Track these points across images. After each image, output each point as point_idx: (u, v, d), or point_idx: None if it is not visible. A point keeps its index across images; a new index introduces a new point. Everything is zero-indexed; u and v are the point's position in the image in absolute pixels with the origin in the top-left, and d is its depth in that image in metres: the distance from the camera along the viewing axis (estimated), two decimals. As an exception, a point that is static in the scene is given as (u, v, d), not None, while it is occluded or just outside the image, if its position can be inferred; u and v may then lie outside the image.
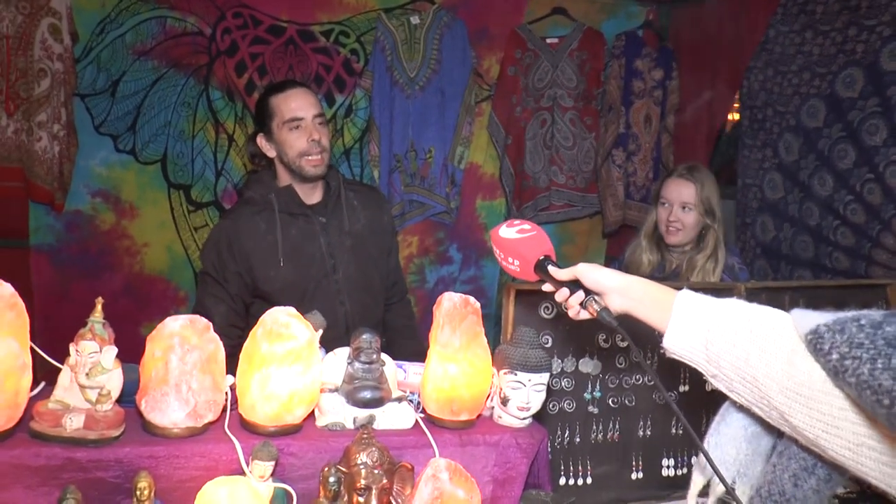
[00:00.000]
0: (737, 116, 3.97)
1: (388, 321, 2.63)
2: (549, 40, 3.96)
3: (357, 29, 3.74)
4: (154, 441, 1.49)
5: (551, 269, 1.45)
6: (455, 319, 1.66)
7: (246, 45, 3.57)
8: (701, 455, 1.33)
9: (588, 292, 1.42)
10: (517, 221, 1.54)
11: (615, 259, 3.98)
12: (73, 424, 1.43)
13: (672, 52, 4.10)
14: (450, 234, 3.97)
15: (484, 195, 4.02)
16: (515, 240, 1.49)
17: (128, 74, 3.42)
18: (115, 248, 3.49)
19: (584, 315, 1.44)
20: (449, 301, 1.68)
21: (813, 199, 3.44)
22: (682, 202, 2.68)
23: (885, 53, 3.13)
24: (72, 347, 1.46)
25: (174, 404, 1.47)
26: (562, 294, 1.45)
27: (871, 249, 3.18)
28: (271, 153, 2.43)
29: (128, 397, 1.54)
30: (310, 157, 2.35)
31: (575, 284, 1.43)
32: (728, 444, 1.36)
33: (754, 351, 1.21)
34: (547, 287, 1.50)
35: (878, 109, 3.15)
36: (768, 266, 3.69)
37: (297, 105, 2.38)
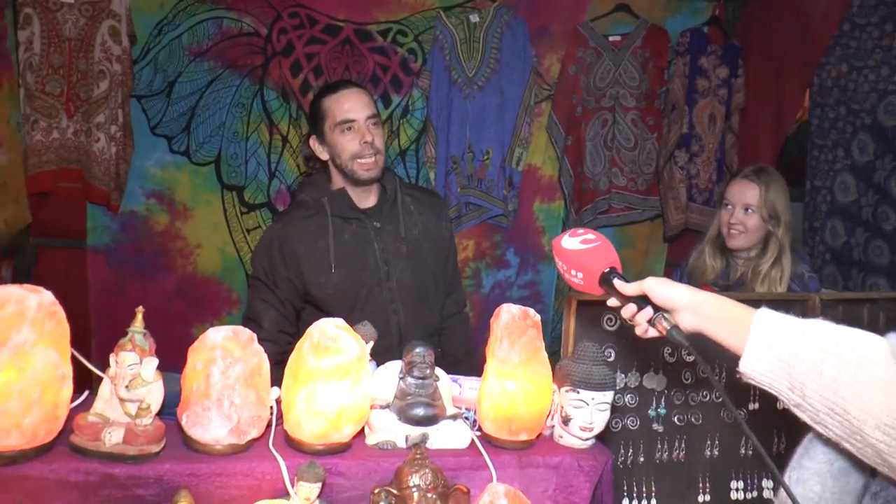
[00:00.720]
0: (805, 115, 3.75)
1: (443, 343, 2.50)
2: (611, 38, 3.79)
3: (415, 28, 3.64)
4: (195, 458, 1.40)
5: (617, 283, 1.33)
6: (514, 333, 1.54)
7: (301, 45, 3.50)
8: (781, 491, 1.19)
9: (657, 308, 1.28)
10: (581, 231, 1.41)
11: (677, 265, 3.80)
12: (112, 439, 1.36)
13: (739, 49, 3.89)
14: (507, 237, 3.83)
15: (542, 198, 3.87)
16: (579, 251, 1.36)
17: (183, 75, 3.37)
18: (168, 248, 3.44)
19: (653, 333, 1.31)
20: (507, 313, 1.56)
21: (889, 202, 3.22)
22: (745, 204, 2.51)
23: (972, 47, 2.91)
24: (112, 358, 1.38)
25: (216, 420, 1.38)
26: (628, 310, 1.32)
27: (956, 257, 2.96)
28: (324, 156, 2.33)
29: (170, 409, 1.46)
30: (362, 161, 2.24)
31: (643, 300, 1.30)
32: (812, 479, 1.21)
33: (845, 380, 1.06)
34: (612, 301, 1.37)
35: (965, 107, 2.93)
36: (838, 273, 3.47)
37: (350, 106, 2.28)
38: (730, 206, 2.56)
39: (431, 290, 2.39)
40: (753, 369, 1.18)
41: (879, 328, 2.21)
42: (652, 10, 3.87)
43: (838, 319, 2.12)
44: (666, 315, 1.27)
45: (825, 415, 1.08)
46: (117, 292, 3.35)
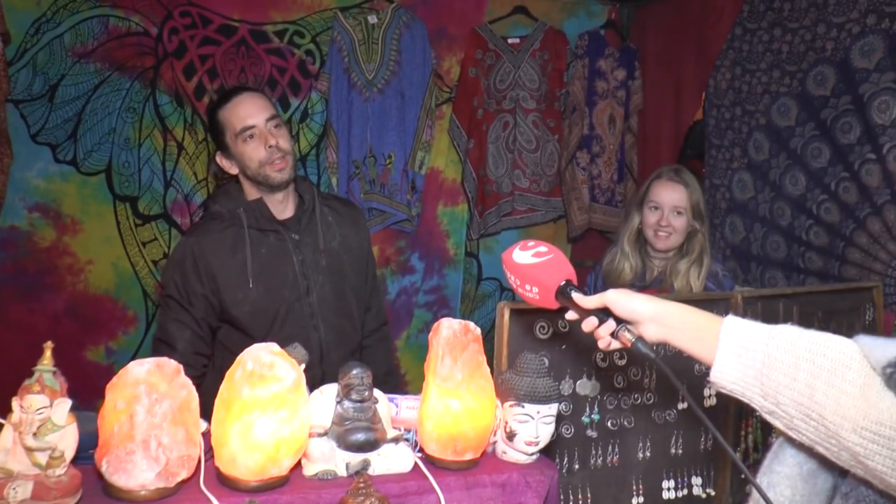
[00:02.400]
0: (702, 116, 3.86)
1: (364, 362, 2.39)
2: (510, 40, 3.79)
3: (312, 29, 3.52)
4: (118, 506, 1.27)
5: (576, 296, 1.28)
6: (456, 349, 1.48)
7: (195, 46, 3.32)
8: (754, 492, 1.17)
9: (619, 321, 1.25)
10: (531, 243, 1.36)
11: (581, 265, 3.84)
12: (18, 496, 1.20)
13: (635, 52, 3.97)
14: (411, 242, 3.76)
15: (446, 201, 3.82)
16: (532, 265, 1.31)
17: (67, 78, 3.13)
18: (55, 265, 3.19)
19: (616, 345, 1.27)
20: (448, 329, 1.49)
21: (784, 199, 3.35)
22: (674, 206, 2.52)
23: (855, 50, 3.04)
24: (14, 403, 1.22)
25: (142, 464, 1.25)
26: (589, 323, 1.28)
27: (845, 249, 3.09)
28: (234, 170, 2.18)
29: (83, 453, 1.31)
30: (272, 164, 2.11)
31: (604, 312, 1.26)
32: (782, 483, 1.20)
33: (820, 385, 1.05)
34: (571, 315, 1.32)
35: (851, 107, 3.06)
36: (738, 267, 3.59)
37: (247, 112, 2.13)
38: (658, 209, 2.55)
39: (352, 304, 2.28)
40: (725, 378, 1.16)
41: (794, 321, 2.28)
42: (549, 13, 3.89)
43: (757, 316, 2.19)
44: (629, 327, 1.24)
45: (800, 420, 1.07)
46: (-2, 316, 3.09)
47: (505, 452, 1.56)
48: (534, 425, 1.51)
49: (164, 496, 1.29)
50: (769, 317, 2.25)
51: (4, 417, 1.26)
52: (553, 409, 1.53)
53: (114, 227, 3.26)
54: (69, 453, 1.24)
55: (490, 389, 1.51)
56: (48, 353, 1.24)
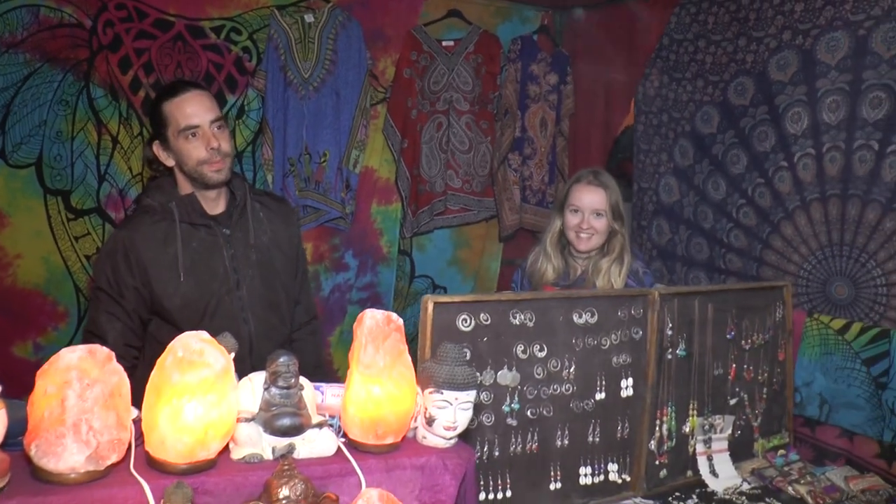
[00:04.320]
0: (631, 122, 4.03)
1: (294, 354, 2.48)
2: (444, 43, 3.91)
3: (249, 26, 3.57)
4: (48, 489, 1.32)
5: None
6: (378, 338, 1.57)
7: (130, 40, 3.33)
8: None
9: None
10: None
11: (512, 263, 3.98)
12: (-52, 476, 1.26)
13: (567, 57, 4.13)
14: (345, 240, 3.84)
15: (380, 200, 3.91)
16: None
17: (-5, 69, 3.13)
18: (-18, 260, 3.18)
19: None
20: (371, 319, 1.59)
21: (707, 203, 3.54)
22: (594, 209, 2.64)
23: (772, 64, 3.25)
24: (-57, 386, 1.28)
25: (72, 447, 1.31)
26: None
27: (762, 250, 3.29)
28: (170, 162, 2.24)
29: (12, 439, 1.36)
30: (211, 164, 2.19)
31: None
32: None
33: None
34: None
35: (767, 117, 3.27)
36: (664, 268, 3.77)
37: (193, 111, 2.19)
38: (578, 211, 2.66)
39: (282, 298, 2.37)
40: None
41: (708, 317, 2.46)
42: (483, 17, 4.02)
43: (674, 312, 2.35)
44: None
45: None
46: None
47: (425, 437, 1.66)
48: (452, 411, 1.61)
49: (93, 479, 1.35)
50: (685, 313, 2.41)
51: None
52: (471, 395, 1.64)
53: (44, 221, 3.25)
54: (-1, 436, 1.30)
55: (410, 377, 1.61)
56: (-19, 339, 1.30)
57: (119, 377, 1.38)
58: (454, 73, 3.93)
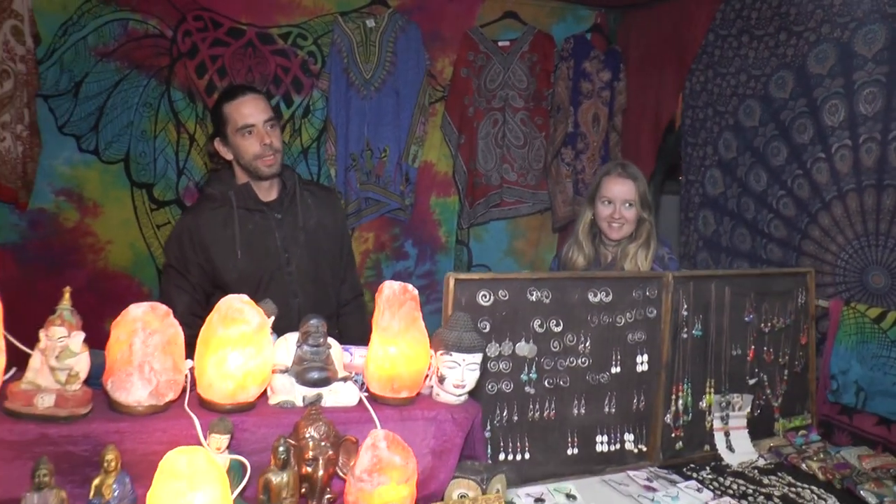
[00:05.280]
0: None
1: (341, 327, 2.79)
2: (500, 43, 4.16)
3: (314, 32, 3.91)
4: (120, 418, 1.65)
5: None
6: (394, 305, 1.85)
7: (206, 47, 3.72)
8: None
9: None
10: None
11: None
12: (44, 403, 1.59)
13: (620, 55, 4.31)
14: (405, 230, 4.15)
15: (438, 192, 4.21)
16: None
17: (90, 76, 3.55)
18: (78, 245, 3.62)
19: None
20: (389, 289, 1.86)
21: (749, 194, 3.67)
22: (625, 199, 2.84)
23: (811, 57, 3.37)
24: (41, 333, 1.62)
25: (138, 384, 1.63)
26: None
27: (801, 241, 3.41)
28: (228, 156, 2.61)
29: (94, 380, 1.70)
30: (264, 159, 2.53)
31: None
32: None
33: None
34: None
35: (806, 110, 3.39)
36: (710, 258, 3.92)
37: (249, 111, 2.55)
38: (610, 203, 2.87)
39: (328, 276, 2.70)
40: None
41: (725, 300, 2.63)
42: (538, 18, 4.25)
43: (689, 294, 2.53)
44: None
45: None
46: (27, 289, 3.49)
47: (438, 395, 1.93)
48: (460, 371, 1.87)
49: (155, 412, 1.67)
50: (701, 295, 2.60)
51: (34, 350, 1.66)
52: (477, 357, 1.89)
53: (131, 210, 3.68)
54: (83, 374, 1.63)
55: (424, 340, 1.87)
56: (67, 296, 1.64)
57: (175, 329, 1.69)
58: (509, 71, 4.18)
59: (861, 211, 3.18)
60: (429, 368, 1.92)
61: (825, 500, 2.32)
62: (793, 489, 2.37)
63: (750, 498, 2.29)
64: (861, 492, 2.32)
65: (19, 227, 3.52)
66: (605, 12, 4.38)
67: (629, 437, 2.48)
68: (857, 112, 3.18)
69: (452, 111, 4.12)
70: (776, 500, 2.29)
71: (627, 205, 2.85)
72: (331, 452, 1.72)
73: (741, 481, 2.40)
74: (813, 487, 2.38)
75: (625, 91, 4.30)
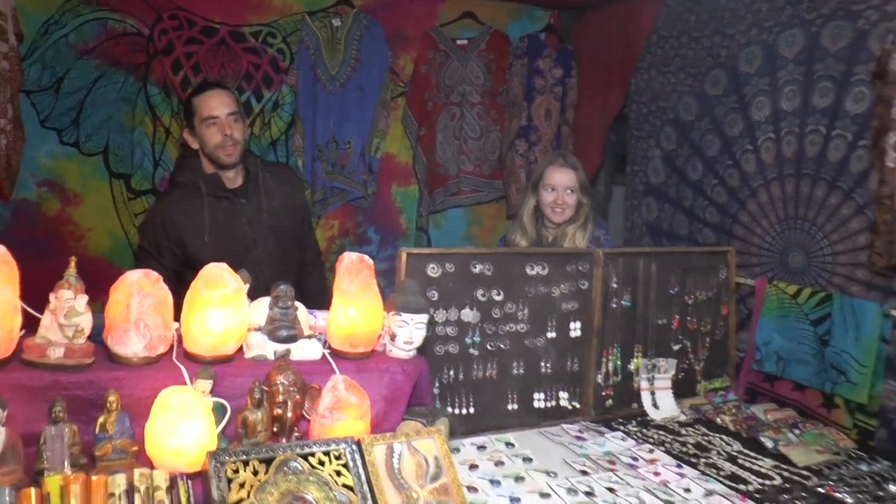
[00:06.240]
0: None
1: (303, 287, 3.16)
2: (458, 42, 4.55)
3: (283, 30, 4.26)
4: (119, 368, 2.00)
5: None
6: (352, 272, 2.23)
7: (181, 45, 4.06)
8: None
9: None
10: None
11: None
12: (55, 354, 1.95)
13: (572, 53, 4.71)
14: (368, 217, 4.53)
15: (399, 182, 4.59)
16: None
17: (71, 72, 3.87)
18: (60, 232, 3.95)
19: None
20: (348, 259, 2.25)
21: (687, 183, 4.08)
22: (566, 186, 3.23)
23: (741, 57, 3.77)
24: (51, 296, 1.97)
25: (134, 338, 1.99)
26: None
27: (732, 225, 3.82)
28: (195, 145, 2.98)
29: (97, 337, 2.05)
30: (224, 149, 2.90)
31: None
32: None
33: None
34: None
35: (736, 105, 3.80)
36: (653, 242, 4.33)
37: (214, 104, 2.93)
38: (553, 190, 3.26)
39: (291, 248, 3.09)
40: None
41: (652, 275, 3.02)
42: (495, 18, 4.64)
43: (619, 269, 2.93)
44: None
45: None
46: (12, 273, 3.82)
47: (390, 350, 2.31)
48: (409, 329, 2.26)
49: (148, 363, 2.03)
50: (630, 270, 3.00)
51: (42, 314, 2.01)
52: (423, 318, 2.27)
53: (109, 200, 4.02)
54: (87, 330, 1.99)
55: (378, 302, 2.25)
56: (73, 265, 2.00)
57: (165, 293, 2.06)
58: (467, 68, 4.56)
59: (783, 198, 3.59)
60: (383, 328, 2.29)
61: (731, 445, 2.74)
62: (705, 438, 2.78)
63: (667, 444, 2.70)
64: (761, 438, 2.74)
65: (3, 216, 3.84)
66: (558, 13, 4.77)
67: (564, 395, 2.87)
68: (780, 108, 3.59)
69: (413, 105, 4.50)
70: (690, 446, 2.70)
71: (569, 191, 3.23)
72: (298, 397, 2.09)
73: (662, 432, 2.81)
74: (723, 437, 2.80)
75: (576, 87, 4.69)
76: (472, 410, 2.70)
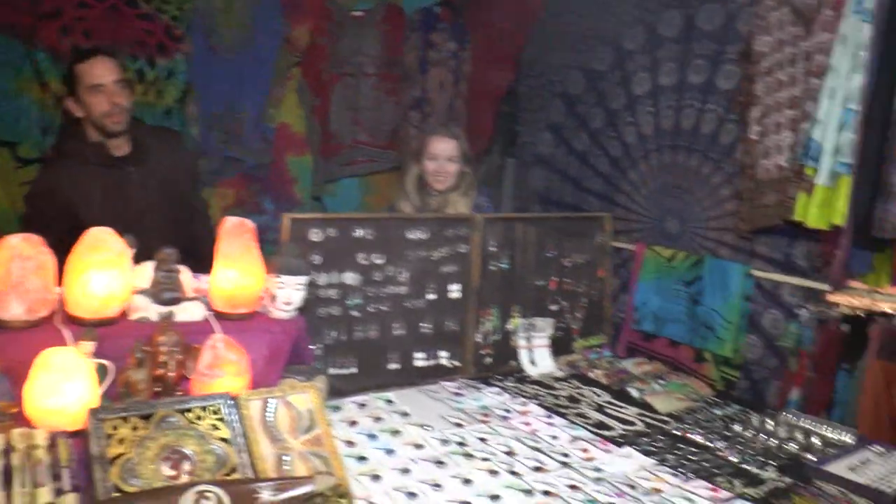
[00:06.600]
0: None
1: (194, 251, 3.24)
2: (354, 13, 4.64)
3: (178, -3, 4.28)
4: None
5: None
6: (234, 236, 2.34)
7: (71, 9, 4.01)
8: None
9: None
10: None
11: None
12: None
13: (466, 27, 4.87)
14: (263, 187, 4.60)
15: (294, 151, 4.67)
16: None
17: (-52, 37, 3.81)
18: (-62, 202, 3.90)
19: None
20: (229, 222, 2.37)
21: (574, 154, 4.31)
22: (448, 156, 3.40)
23: (625, 36, 3.99)
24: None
25: (14, 302, 2.07)
26: None
27: (615, 194, 4.06)
28: (80, 114, 3.00)
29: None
30: (111, 117, 2.94)
31: None
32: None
33: None
34: None
35: (620, 81, 4.03)
36: (542, 211, 4.54)
37: (99, 72, 2.96)
38: (435, 159, 3.41)
39: (179, 210, 3.14)
40: None
41: (530, 239, 3.22)
42: (391, -11, 4.75)
43: (497, 233, 3.11)
44: None
45: None
46: None
47: (271, 311, 2.44)
48: (288, 291, 2.39)
49: (29, 326, 2.10)
50: (508, 235, 3.20)
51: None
52: (302, 280, 2.41)
53: (-7, 168, 3.98)
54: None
55: (259, 265, 2.38)
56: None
57: (47, 256, 2.13)
58: (363, 40, 4.66)
59: (660, 168, 3.85)
60: (264, 290, 2.42)
61: (601, 396, 2.98)
62: (578, 391, 3.02)
63: (541, 398, 2.92)
64: (628, 388, 3.00)
65: None
66: (453, -14, 4.91)
67: (444, 353, 3.06)
68: (659, 84, 3.84)
69: (308, 75, 4.58)
70: (562, 398, 2.93)
71: (450, 161, 3.40)
72: (180, 357, 2.19)
73: (537, 387, 3.04)
74: (595, 389, 3.04)
75: (469, 60, 4.86)
76: (354, 370, 2.86)
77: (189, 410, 1.98)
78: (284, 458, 1.96)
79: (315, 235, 2.74)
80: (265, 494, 1.77)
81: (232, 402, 2.03)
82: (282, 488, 1.80)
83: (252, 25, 4.37)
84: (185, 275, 2.39)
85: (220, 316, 2.36)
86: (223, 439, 1.95)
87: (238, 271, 2.33)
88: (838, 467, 2.41)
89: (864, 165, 2.85)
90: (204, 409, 1.99)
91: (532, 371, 3.19)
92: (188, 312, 2.33)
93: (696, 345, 3.48)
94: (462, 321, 3.09)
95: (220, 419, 1.98)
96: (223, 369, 2.13)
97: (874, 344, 2.87)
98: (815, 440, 2.63)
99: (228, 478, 1.86)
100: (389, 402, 2.75)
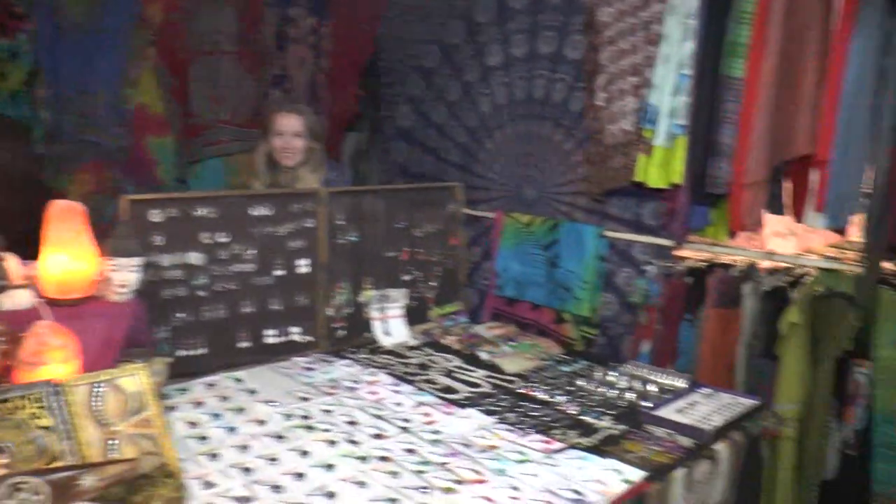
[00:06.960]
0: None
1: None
2: (209, -11, 4.59)
3: (19, -26, 4.13)
4: None
5: None
6: (63, 220, 2.33)
7: None
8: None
9: None
10: None
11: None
12: None
13: (325, 2, 4.88)
14: (124, 170, 4.51)
15: (154, 133, 4.59)
16: None
17: None
18: None
19: None
20: (57, 206, 2.34)
21: (432, 127, 4.40)
22: (294, 132, 3.44)
23: (477, 9, 4.09)
24: None
25: None
26: None
27: (472, 164, 4.17)
28: None
29: None
30: None
31: None
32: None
33: None
34: None
35: (473, 53, 4.13)
36: (405, 183, 4.63)
37: None
38: (281, 136, 3.46)
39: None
40: None
41: (379, 210, 3.30)
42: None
43: (345, 207, 3.17)
44: None
45: None
46: None
47: (104, 295, 2.44)
48: (122, 273, 2.40)
49: None
50: (357, 207, 3.27)
51: None
52: (134, 261, 2.42)
53: None
54: None
55: (91, 249, 2.36)
56: None
57: None
58: (219, 17, 4.61)
59: (516, 137, 3.97)
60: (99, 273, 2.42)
61: (452, 361, 3.10)
62: (429, 358, 3.13)
63: (391, 367, 3.00)
64: (478, 352, 3.12)
65: None
66: (309, -40, 4.90)
67: (296, 329, 3.12)
68: (511, 55, 3.96)
69: (164, 54, 4.50)
70: (413, 366, 3.03)
71: (296, 136, 3.44)
72: (5, 347, 2.18)
73: (390, 357, 3.13)
74: (447, 355, 3.16)
75: (329, 36, 4.87)
76: (204, 351, 2.88)
77: (7, 400, 1.96)
78: (111, 442, 1.98)
79: (155, 216, 2.74)
80: (87, 480, 1.80)
81: (55, 389, 2.03)
82: (104, 473, 1.83)
83: (101, 2, 4.27)
84: (12, 261, 2.36)
85: (52, 302, 2.35)
86: (45, 427, 1.95)
87: (68, 255, 2.32)
88: (667, 411, 2.59)
89: (697, 126, 3.04)
90: (23, 397, 1.98)
91: (386, 342, 3.28)
92: (16, 301, 2.31)
93: (555, 306, 3.64)
94: (312, 296, 3.15)
95: (42, 407, 1.98)
96: (48, 356, 2.12)
97: (711, 293, 3.10)
98: (651, 388, 2.81)
99: (47, 467, 1.87)
100: (238, 380, 2.79)
